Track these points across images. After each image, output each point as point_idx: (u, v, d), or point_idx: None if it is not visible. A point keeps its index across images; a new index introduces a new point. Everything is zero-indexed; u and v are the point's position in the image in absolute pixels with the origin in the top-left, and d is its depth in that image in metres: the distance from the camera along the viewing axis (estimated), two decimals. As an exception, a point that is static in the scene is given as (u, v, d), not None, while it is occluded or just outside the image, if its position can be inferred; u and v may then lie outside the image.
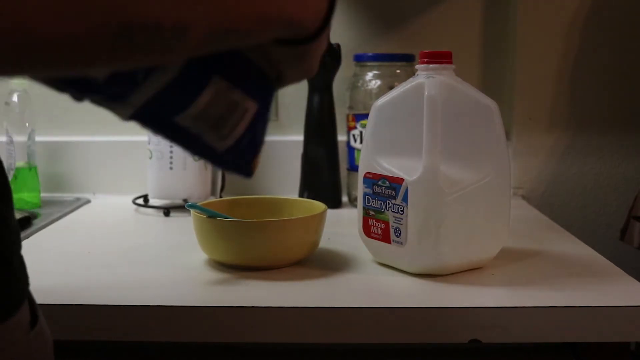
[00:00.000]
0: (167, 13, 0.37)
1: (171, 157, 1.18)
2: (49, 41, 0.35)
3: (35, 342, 0.53)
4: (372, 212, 0.86)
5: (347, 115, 1.23)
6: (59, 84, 0.49)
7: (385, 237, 0.84)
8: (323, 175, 1.23)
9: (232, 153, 0.56)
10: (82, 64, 0.38)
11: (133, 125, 0.52)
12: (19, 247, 0.54)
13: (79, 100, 0.51)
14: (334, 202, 1.22)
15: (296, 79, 0.57)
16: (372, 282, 0.82)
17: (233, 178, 1.27)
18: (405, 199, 0.81)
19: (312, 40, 0.50)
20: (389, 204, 0.83)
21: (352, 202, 1.24)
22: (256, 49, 0.52)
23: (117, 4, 0.35)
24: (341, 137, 1.25)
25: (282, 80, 0.56)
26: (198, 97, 0.52)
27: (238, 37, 0.43)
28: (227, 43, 0.43)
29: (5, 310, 0.50)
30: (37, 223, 1.10)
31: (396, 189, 0.82)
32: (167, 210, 1.18)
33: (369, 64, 1.22)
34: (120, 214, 1.21)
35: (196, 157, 0.53)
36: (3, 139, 1.25)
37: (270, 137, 1.49)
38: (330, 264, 0.88)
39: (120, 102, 0.52)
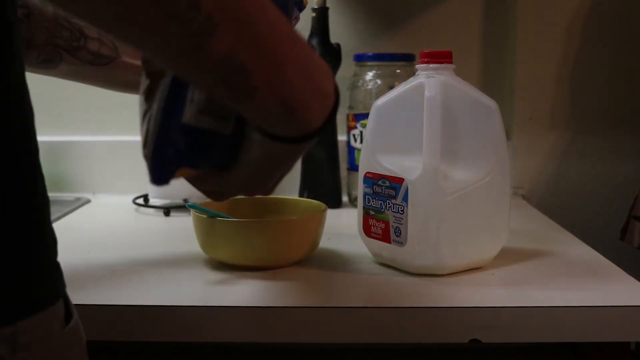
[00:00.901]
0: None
1: (171, 157, 1.18)
2: None
3: (69, 338, 0.54)
4: (372, 212, 0.86)
5: (348, 115, 1.23)
6: None
7: (385, 237, 0.84)
8: (323, 175, 1.23)
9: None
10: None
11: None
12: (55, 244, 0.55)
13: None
14: (334, 202, 1.22)
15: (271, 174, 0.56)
16: (372, 282, 0.82)
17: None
18: (405, 198, 0.81)
19: (301, 141, 0.51)
20: (389, 204, 0.83)
21: (352, 202, 1.24)
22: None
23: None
24: (341, 137, 1.25)
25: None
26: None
27: (245, 84, 0.45)
28: (236, 92, 0.46)
29: (46, 296, 0.51)
30: (37, 223, 1.10)
31: (396, 189, 0.82)
32: (167, 210, 1.18)
33: (369, 63, 1.22)
34: (121, 214, 1.21)
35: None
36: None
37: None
38: (330, 264, 0.88)
39: None
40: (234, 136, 0.54)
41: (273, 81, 0.46)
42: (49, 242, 0.53)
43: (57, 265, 0.54)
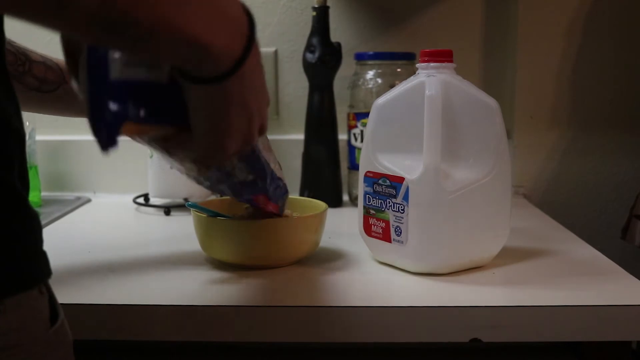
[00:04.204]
0: None
1: (172, 156, 1.18)
2: None
3: (55, 339, 0.53)
4: (372, 211, 0.86)
5: (348, 114, 1.23)
6: None
7: (385, 236, 0.84)
8: (324, 174, 1.23)
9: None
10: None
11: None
12: (38, 228, 0.55)
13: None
14: (335, 201, 1.22)
15: (228, 124, 0.53)
16: (373, 281, 0.82)
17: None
18: (405, 197, 0.81)
19: (222, 79, 0.48)
20: (389, 203, 0.83)
21: (353, 201, 1.24)
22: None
23: None
24: (342, 136, 1.25)
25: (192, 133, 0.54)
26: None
27: (135, 36, 0.42)
28: (123, 39, 0.43)
29: (24, 279, 0.51)
30: (37, 222, 1.10)
31: (397, 188, 0.82)
32: (167, 210, 1.18)
33: (369, 62, 1.21)
34: (121, 213, 1.21)
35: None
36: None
37: (271, 136, 1.49)
38: (330, 263, 0.88)
39: None
40: (177, 86, 0.53)
41: (165, 20, 0.43)
42: (28, 227, 0.52)
43: (30, 253, 0.53)
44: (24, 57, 0.80)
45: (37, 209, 1.18)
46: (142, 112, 0.53)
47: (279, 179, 0.78)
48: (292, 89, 1.36)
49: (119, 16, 0.41)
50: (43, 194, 1.28)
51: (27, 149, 1.23)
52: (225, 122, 0.52)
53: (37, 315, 0.52)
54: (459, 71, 0.85)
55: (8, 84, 0.53)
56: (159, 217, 1.17)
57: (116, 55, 0.51)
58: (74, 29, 0.42)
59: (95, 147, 0.52)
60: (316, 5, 1.20)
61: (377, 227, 0.85)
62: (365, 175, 0.87)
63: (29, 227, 0.53)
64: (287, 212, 0.87)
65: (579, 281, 0.81)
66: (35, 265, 0.53)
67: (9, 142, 0.52)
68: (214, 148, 0.54)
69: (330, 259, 0.89)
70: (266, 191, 0.75)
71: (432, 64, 0.84)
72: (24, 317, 0.50)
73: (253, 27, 0.50)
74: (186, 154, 0.58)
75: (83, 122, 1.44)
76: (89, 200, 1.30)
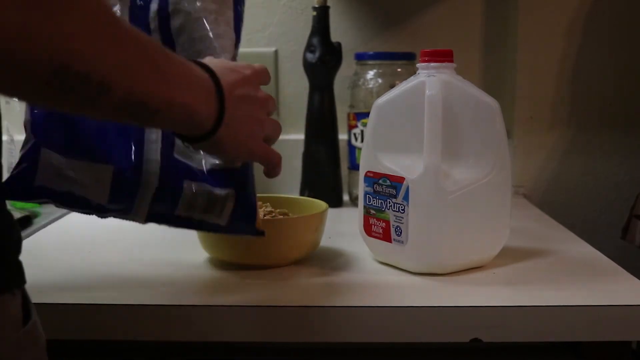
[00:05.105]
0: (98, 69, 0.45)
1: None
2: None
3: (25, 340, 0.53)
4: (372, 211, 0.86)
5: (348, 114, 1.23)
6: (84, 211, 0.71)
7: (386, 236, 0.84)
8: (324, 174, 1.23)
9: (235, 224, 0.72)
10: (19, 89, 0.45)
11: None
12: (15, 231, 0.55)
13: (104, 217, 0.72)
14: (335, 201, 1.22)
15: (235, 158, 0.69)
16: (373, 281, 0.82)
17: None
18: (406, 197, 0.81)
19: (211, 135, 0.59)
20: (389, 203, 0.83)
21: (353, 201, 1.24)
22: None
23: (65, 47, 0.43)
24: (342, 136, 1.25)
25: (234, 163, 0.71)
26: (180, 197, 0.69)
27: (147, 113, 0.51)
28: (139, 117, 0.51)
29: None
30: (37, 222, 1.10)
31: (397, 188, 0.82)
32: (167, 209, 1.18)
33: (370, 62, 1.21)
34: (121, 213, 1.20)
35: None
36: (4, 137, 1.25)
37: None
38: (330, 263, 0.88)
39: (131, 215, 0.70)
40: None
41: (168, 98, 0.52)
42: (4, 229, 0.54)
43: (9, 261, 0.54)
44: None
45: (36, 209, 1.19)
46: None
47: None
48: (292, 89, 1.36)
49: (135, 104, 0.49)
50: (43, 193, 1.28)
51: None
52: (243, 147, 0.64)
53: (7, 317, 0.52)
54: (459, 71, 0.85)
55: None
56: (159, 217, 1.17)
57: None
58: (105, 115, 0.50)
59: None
60: (316, 5, 1.20)
61: (378, 227, 0.85)
62: (366, 175, 0.87)
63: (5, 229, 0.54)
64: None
65: (579, 281, 0.81)
66: (11, 269, 0.54)
67: None
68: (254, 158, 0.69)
69: (330, 259, 0.89)
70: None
71: (432, 64, 0.84)
72: None
73: (217, 79, 0.58)
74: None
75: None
76: (89, 200, 1.29)
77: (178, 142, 0.70)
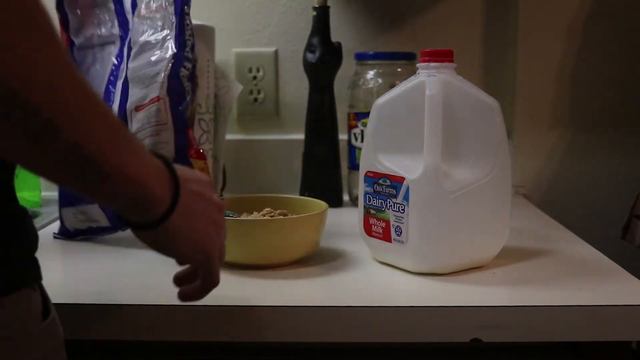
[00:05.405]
0: (50, 105, 0.40)
1: (172, 156, 1.18)
2: None
3: (47, 333, 0.55)
4: (373, 211, 0.86)
5: (348, 114, 1.23)
6: (108, 233, 0.99)
7: (386, 236, 0.84)
8: (324, 174, 1.23)
9: None
10: None
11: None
12: (30, 224, 0.56)
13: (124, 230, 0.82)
14: (335, 201, 1.22)
15: (186, 258, 0.61)
16: (373, 281, 0.82)
17: (234, 177, 1.27)
18: (406, 197, 0.81)
19: (162, 221, 0.54)
20: (389, 203, 0.83)
21: (353, 200, 1.24)
22: None
23: (17, 70, 0.38)
24: (342, 136, 1.25)
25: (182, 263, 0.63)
26: None
27: (96, 176, 0.46)
28: (86, 179, 0.46)
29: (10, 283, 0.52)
30: (37, 222, 1.10)
31: (397, 188, 0.82)
32: (167, 209, 1.18)
33: (370, 62, 1.21)
34: (121, 213, 1.20)
35: None
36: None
37: (271, 136, 1.48)
38: (330, 262, 0.88)
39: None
40: None
41: (121, 164, 0.47)
42: (15, 239, 0.54)
43: (25, 259, 0.55)
44: None
45: (37, 209, 1.19)
46: None
47: None
48: (292, 89, 1.36)
49: (85, 159, 0.44)
50: (43, 193, 1.28)
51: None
52: (199, 246, 0.59)
53: (31, 310, 0.53)
54: (459, 71, 0.85)
55: None
56: (159, 217, 1.17)
57: None
58: (46, 165, 0.45)
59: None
60: (316, 5, 1.20)
61: (378, 227, 0.85)
62: (366, 175, 0.87)
63: (27, 226, 0.55)
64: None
65: (579, 281, 0.81)
66: (30, 265, 0.55)
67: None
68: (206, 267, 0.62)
69: (330, 259, 0.89)
70: None
71: (432, 64, 0.84)
72: (19, 312, 0.52)
73: (172, 167, 0.54)
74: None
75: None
76: (89, 200, 1.30)
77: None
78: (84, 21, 0.99)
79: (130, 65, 0.93)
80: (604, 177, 1.33)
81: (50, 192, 1.33)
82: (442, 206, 0.80)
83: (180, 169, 0.56)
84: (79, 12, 1.00)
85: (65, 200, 0.99)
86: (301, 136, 1.25)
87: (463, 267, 0.83)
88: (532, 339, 0.74)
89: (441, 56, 0.84)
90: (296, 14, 1.34)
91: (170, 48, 0.91)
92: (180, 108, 0.90)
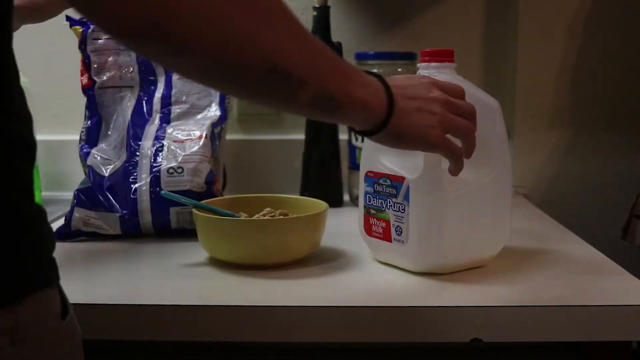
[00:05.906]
0: (298, 68, 0.56)
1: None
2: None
3: (66, 332, 0.56)
4: (373, 211, 0.86)
5: (348, 114, 1.23)
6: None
7: (386, 236, 0.84)
8: (324, 174, 1.23)
9: None
10: (237, 87, 0.57)
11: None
12: (45, 219, 0.57)
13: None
14: (335, 201, 1.22)
15: (415, 149, 0.72)
16: (373, 281, 0.82)
17: (234, 177, 1.27)
18: (406, 197, 0.81)
19: (385, 125, 0.66)
20: (390, 203, 0.83)
21: (354, 200, 1.24)
22: None
23: (274, 49, 0.54)
24: (343, 136, 1.25)
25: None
26: (169, 220, 1.02)
27: (333, 107, 0.61)
28: (326, 110, 0.62)
29: (33, 283, 0.53)
30: (37, 222, 1.10)
31: (397, 188, 0.82)
32: (168, 209, 1.18)
33: (370, 62, 1.21)
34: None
35: None
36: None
37: (271, 136, 1.48)
38: (331, 262, 0.88)
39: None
40: None
41: (351, 93, 0.62)
42: (37, 239, 0.55)
43: (46, 258, 0.55)
44: None
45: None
46: None
47: None
48: (293, 88, 1.35)
49: (328, 97, 0.60)
50: (43, 193, 1.28)
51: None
52: (421, 136, 0.69)
53: (50, 310, 0.54)
54: (459, 71, 0.85)
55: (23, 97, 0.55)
56: (159, 216, 1.17)
57: None
58: (299, 108, 0.62)
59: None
60: (317, 5, 1.20)
61: (378, 227, 0.85)
62: (366, 175, 0.87)
63: (46, 225, 0.57)
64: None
65: (579, 281, 0.81)
66: (51, 265, 0.56)
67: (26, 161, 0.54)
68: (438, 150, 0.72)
69: (330, 259, 0.89)
70: None
71: (432, 64, 0.84)
72: (40, 312, 0.53)
73: (384, 81, 0.67)
74: None
75: (83, 122, 1.42)
76: (89, 200, 1.29)
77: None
78: (105, 63, 1.09)
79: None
80: (604, 177, 1.33)
81: (51, 191, 1.33)
82: (442, 206, 0.80)
83: (394, 78, 0.69)
84: (101, 54, 1.09)
85: (79, 201, 1.00)
86: (302, 136, 1.25)
87: (463, 267, 0.84)
88: (531, 339, 0.74)
89: (441, 56, 0.84)
90: (296, 14, 1.33)
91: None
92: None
